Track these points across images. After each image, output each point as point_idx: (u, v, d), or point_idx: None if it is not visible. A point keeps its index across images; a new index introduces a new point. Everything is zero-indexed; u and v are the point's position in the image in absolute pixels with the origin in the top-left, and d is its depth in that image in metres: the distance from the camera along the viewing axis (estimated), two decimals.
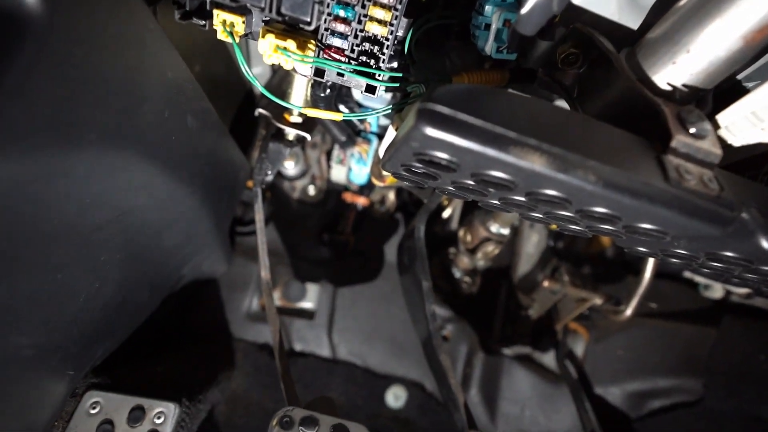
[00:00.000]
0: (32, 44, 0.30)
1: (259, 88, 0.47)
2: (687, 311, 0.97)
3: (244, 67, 0.45)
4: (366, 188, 1.02)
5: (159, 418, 0.56)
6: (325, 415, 0.49)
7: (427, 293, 0.67)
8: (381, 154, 0.60)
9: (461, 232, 0.82)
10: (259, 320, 0.98)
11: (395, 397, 0.98)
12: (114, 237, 0.51)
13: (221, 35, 0.44)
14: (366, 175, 0.93)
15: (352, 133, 0.83)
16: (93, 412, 0.54)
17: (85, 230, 0.43)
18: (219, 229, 0.79)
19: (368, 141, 0.89)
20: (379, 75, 0.45)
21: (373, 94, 0.46)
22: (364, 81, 0.45)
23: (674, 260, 0.53)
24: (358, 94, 0.74)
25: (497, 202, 0.45)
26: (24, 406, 0.45)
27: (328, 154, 1.01)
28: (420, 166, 0.38)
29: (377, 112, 0.50)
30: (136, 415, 0.55)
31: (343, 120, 0.79)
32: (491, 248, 0.77)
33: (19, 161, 0.31)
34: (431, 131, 0.29)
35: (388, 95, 0.70)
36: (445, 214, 1.03)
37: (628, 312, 0.83)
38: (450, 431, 0.98)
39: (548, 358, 1.04)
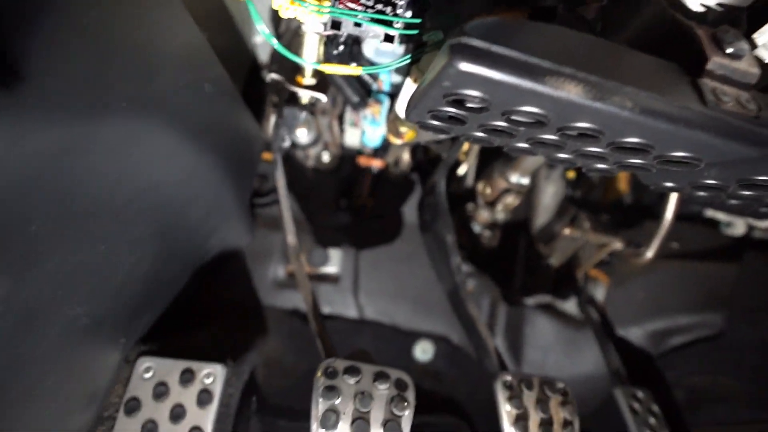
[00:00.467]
0: (55, 5, 0.30)
1: (275, 46, 0.46)
2: (708, 250, 0.97)
3: (259, 26, 0.44)
4: (380, 151, 1.02)
5: (208, 378, 0.59)
6: (366, 364, 0.52)
7: (451, 246, 0.68)
8: (399, 109, 0.60)
9: (480, 186, 0.82)
10: (286, 287, 1.01)
11: (423, 351, 1.01)
12: (145, 211, 0.52)
13: None
14: (380, 137, 0.92)
15: (365, 94, 0.82)
16: (147, 376, 0.57)
17: (120, 203, 0.44)
18: (241, 201, 0.80)
19: (380, 102, 0.88)
20: (397, 23, 0.44)
21: (392, 42, 0.45)
22: (382, 30, 0.44)
23: (702, 193, 0.52)
24: (369, 52, 0.72)
25: (525, 144, 0.44)
26: (87, 371, 0.48)
27: (340, 120, 1.00)
28: (449, 110, 0.37)
29: (397, 63, 0.49)
30: (187, 377, 0.58)
31: (356, 79, 0.78)
32: (511, 199, 0.77)
33: (60, 128, 0.31)
34: (466, 66, 0.28)
35: (401, 50, 0.68)
36: (461, 171, 1.03)
37: (650, 254, 0.84)
38: (479, 379, 1.02)
39: (569, 306, 1.06)
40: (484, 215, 0.88)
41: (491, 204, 0.81)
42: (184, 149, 0.50)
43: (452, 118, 0.42)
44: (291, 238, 0.66)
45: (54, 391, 0.44)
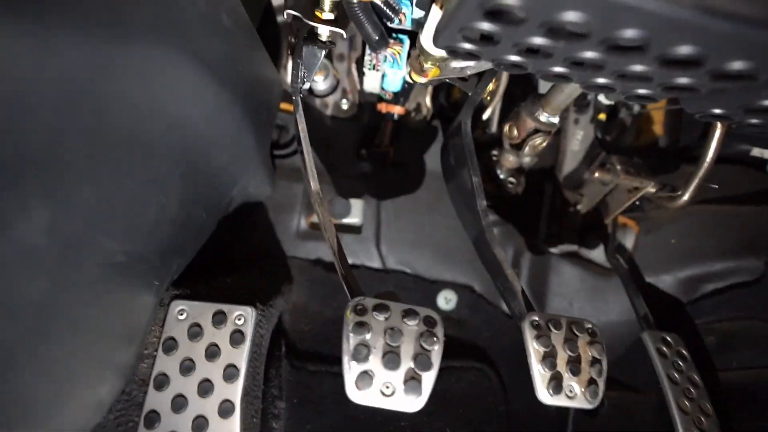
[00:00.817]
0: None
1: None
2: (750, 193, 0.92)
3: None
4: (400, 97, 0.98)
5: (239, 320, 0.61)
6: (394, 302, 0.52)
7: (477, 188, 0.67)
8: (425, 39, 0.57)
9: (506, 128, 0.78)
10: (308, 238, 1.02)
11: (446, 300, 1.02)
12: (171, 150, 0.52)
13: None
14: (401, 80, 0.89)
15: (385, 32, 0.78)
16: (181, 318, 0.59)
17: (145, 139, 0.44)
18: (261, 148, 0.80)
19: (400, 42, 0.84)
20: None
21: None
22: None
23: (755, 120, 0.48)
24: None
25: (561, 67, 0.41)
26: (125, 309, 0.50)
27: (358, 65, 0.96)
28: (483, 25, 0.35)
29: None
30: (219, 318, 0.60)
31: (376, 14, 0.73)
32: (539, 141, 0.74)
33: (86, 50, 0.31)
34: None
35: None
36: (485, 115, 0.99)
37: (686, 196, 0.80)
38: (502, 326, 1.03)
39: (596, 254, 1.04)
40: (509, 159, 0.85)
41: (518, 147, 0.78)
42: (205, 85, 0.49)
43: (485, 38, 0.39)
44: (313, 184, 0.65)
45: (95, 326, 0.46)
